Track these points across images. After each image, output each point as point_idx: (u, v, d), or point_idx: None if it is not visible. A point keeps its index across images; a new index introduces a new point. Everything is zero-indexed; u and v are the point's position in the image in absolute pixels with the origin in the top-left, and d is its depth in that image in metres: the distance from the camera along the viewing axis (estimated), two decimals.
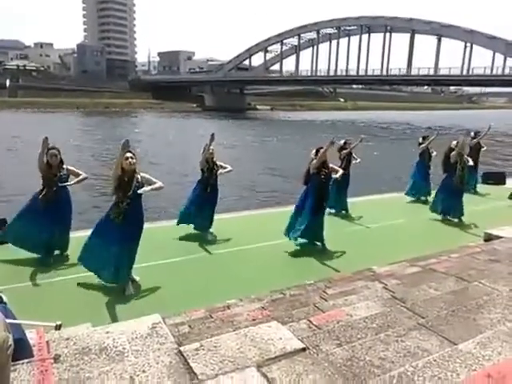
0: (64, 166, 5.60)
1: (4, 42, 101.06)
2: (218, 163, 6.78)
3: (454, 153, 7.75)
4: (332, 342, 2.24)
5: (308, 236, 6.33)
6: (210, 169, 6.64)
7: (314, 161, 6.26)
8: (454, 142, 7.93)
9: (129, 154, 4.55)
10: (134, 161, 4.60)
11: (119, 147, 4.53)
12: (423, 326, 2.34)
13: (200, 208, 6.69)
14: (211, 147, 6.55)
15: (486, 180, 11.72)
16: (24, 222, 5.48)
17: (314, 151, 6.37)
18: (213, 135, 6.44)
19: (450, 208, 7.91)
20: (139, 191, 4.63)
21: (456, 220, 7.87)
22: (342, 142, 8.49)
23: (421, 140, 9.78)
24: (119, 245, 4.68)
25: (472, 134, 10.84)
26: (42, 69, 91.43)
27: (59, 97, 73.14)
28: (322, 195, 6.30)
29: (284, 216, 6.53)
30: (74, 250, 5.67)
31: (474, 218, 7.88)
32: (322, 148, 6.24)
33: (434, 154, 9.60)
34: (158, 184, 4.83)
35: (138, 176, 4.68)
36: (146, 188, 4.69)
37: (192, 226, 6.81)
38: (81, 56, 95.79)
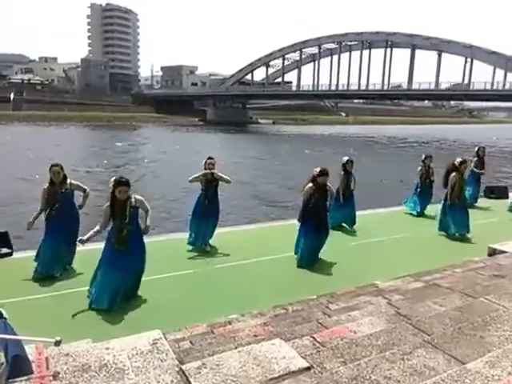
0: (68, 181, 5.62)
1: (9, 56, 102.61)
2: (219, 174, 6.75)
3: (452, 176, 7.66)
4: (336, 360, 2.19)
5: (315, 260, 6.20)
6: (208, 181, 6.65)
7: (309, 185, 6.10)
8: (458, 160, 7.84)
9: (123, 188, 4.54)
10: (127, 193, 4.59)
11: (112, 180, 4.60)
12: (429, 344, 2.29)
13: (202, 222, 6.67)
14: (211, 161, 6.65)
15: (488, 194, 11.67)
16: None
17: (317, 172, 6.13)
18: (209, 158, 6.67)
19: (450, 224, 7.85)
20: (146, 227, 4.81)
21: (457, 235, 7.80)
22: (345, 159, 8.27)
23: (423, 157, 9.75)
24: (126, 271, 4.66)
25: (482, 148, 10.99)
26: (47, 82, 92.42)
27: (63, 110, 73.82)
28: (317, 216, 6.11)
29: (285, 230, 6.51)
30: (78, 263, 5.66)
31: (478, 232, 7.82)
32: (324, 173, 6.06)
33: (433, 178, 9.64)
34: (150, 211, 4.90)
35: (132, 200, 4.66)
36: (148, 223, 4.85)
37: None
38: (85, 70, 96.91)
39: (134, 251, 4.74)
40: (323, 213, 6.25)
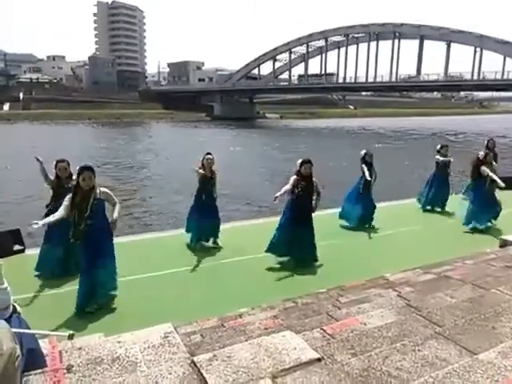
0: (74, 178, 5.63)
1: (17, 55, 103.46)
2: (215, 172, 6.64)
3: (484, 168, 7.56)
4: (347, 352, 2.19)
5: (286, 251, 6.01)
6: (205, 178, 6.49)
7: (293, 177, 5.94)
8: (481, 153, 7.74)
9: (87, 174, 4.33)
10: (91, 181, 4.36)
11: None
12: (441, 335, 2.28)
13: (202, 221, 6.55)
14: (209, 156, 6.51)
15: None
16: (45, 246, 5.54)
17: (299, 162, 5.98)
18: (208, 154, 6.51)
19: (483, 217, 7.72)
20: (113, 220, 4.56)
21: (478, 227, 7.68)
22: (363, 152, 7.93)
23: (438, 147, 9.35)
24: (96, 270, 4.47)
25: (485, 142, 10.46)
26: (55, 81, 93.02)
27: (71, 108, 74.27)
28: (300, 208, 5.92)
29: None
30: None
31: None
32: (305, 162, 5.88)
33: (447, 158, 9.30)
34: (118, 204, 4.67)
35: (97, 191, 4.43)
36: (115, 216, 4.59)
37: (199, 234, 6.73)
38: (92, 68, 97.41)
39: (102, 249, 4.53)
40: (307, 206, 6.00)
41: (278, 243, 6.02)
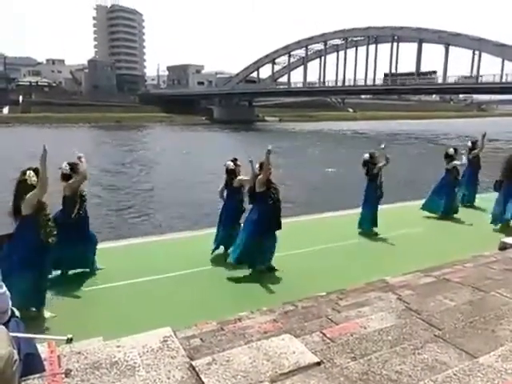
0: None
1: (17, 59, 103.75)
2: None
3: None
4: (346, 356, 2.18)
5: (247, 259, 5.65)
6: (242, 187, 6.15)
7: (260, 176, 5.49)
8: None
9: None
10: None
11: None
12: (440, 338, 2.27)
13: (231, 230, 6.23)
14: (238, 162, 6.16)
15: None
16: None
17: (258, 165, 5.58)
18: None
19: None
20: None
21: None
22: (367, 155, 7.75)
23: (451, 151, 8.92)
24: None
25: (469, 144, 10.02)
26: (54, 84, 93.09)
27: (71, 112, 74.18)
28: (270, 217, 5.52)
29: (297, 227, 6.44)
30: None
31: (488, 226, 7.76)
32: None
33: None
34: None
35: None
36: None
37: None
38: (92, 71, 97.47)
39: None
40: (280, 215, 5.72)
41: (247, 254, 5.58)
